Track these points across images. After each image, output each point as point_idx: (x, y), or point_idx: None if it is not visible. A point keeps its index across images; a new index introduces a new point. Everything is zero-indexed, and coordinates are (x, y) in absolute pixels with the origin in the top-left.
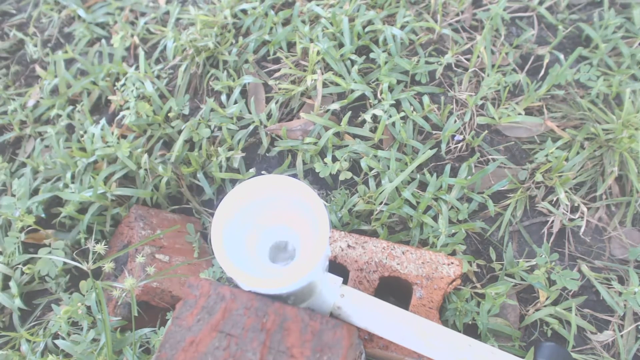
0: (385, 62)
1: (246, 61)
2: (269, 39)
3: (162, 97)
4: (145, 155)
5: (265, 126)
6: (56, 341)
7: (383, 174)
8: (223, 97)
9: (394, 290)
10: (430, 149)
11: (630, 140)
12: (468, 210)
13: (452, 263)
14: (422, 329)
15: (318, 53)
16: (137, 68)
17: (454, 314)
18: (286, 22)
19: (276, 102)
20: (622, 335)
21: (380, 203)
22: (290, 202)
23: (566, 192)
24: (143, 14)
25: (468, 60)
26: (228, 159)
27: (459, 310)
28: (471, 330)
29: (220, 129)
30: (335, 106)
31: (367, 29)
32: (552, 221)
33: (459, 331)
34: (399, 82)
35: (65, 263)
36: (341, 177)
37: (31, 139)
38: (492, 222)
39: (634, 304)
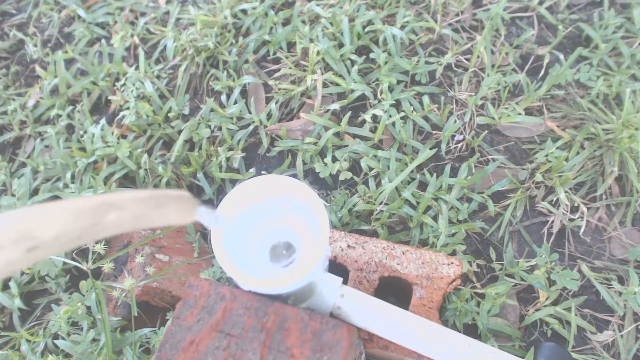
0: (385, 62)
1: (246, 61)
2: (269, 39)
3: (162, 97)
4: (145, 155)
5: (265, 126)
6: (56, 341)
7: (383, 174)
8: (223, 97)
9: (394, 290)
10: (430, 149)
11: (630, 140)
12: (468, 210)
13: (452, 263)
14: (422, 329)
15: (318, 53)
16: (137, 68)
17: (454, 314)
18: (286, 22)
19: (276, 102)
20: (622, 335)
21: (380, 203)
22: (290, 202)
23: (566, 192)
24: (143, 14)
25: (468, 60)
26: (228, 159)
27: (459, 310)
28: (471, 330)
29: (220, 129)
30: (335, 106)
31: (367, 29)
32: (552, 221)
33: (459, 331)
34: (399, 82)
35: (65, 263)
36: (341, 177)
37: (31, 139)
38: (492, 222)
39: (634, 304)
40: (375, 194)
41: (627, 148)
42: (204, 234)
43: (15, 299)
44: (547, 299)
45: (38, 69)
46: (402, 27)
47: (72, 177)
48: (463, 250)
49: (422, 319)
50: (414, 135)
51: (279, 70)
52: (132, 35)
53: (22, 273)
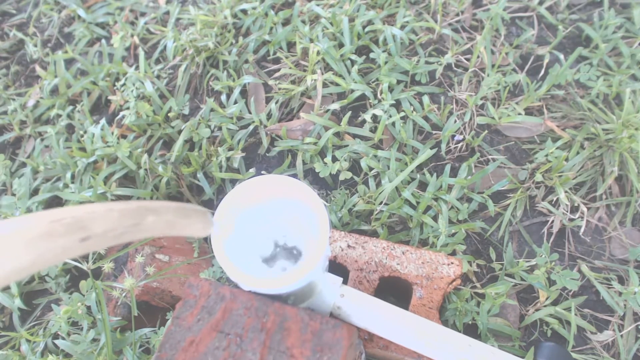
0: (385, 62)
1: (246, 61)
2: (269, 39)
3: (162, 97)
4: (145, 155)
5: (265, 126)
6: (56, 341)
7: (383, 174)
8: (223, 97)
9: (394, 290)
10: (430, 149)
11: (630, 140)
12: (468, 210)
13: (452, 263)
14: (422, 329)
15: (318, 53)
16: (137, 68)
17: (454, 314)
18: (286, 22)
19: (276, 102)
20: (622, 335)
21: (380, 203)
22: (290, 202)
23: (566, 192)
24: (143, 14)
25: (468, 60)
26: (228, 159)
27: (459, 310)
28: (471, 330)
29: (220, 129)
30: (335, 106)
31: (367, 29)
32: (552, 221)
33: (459, 331)
34: (399, 82)
35: (65, 263)
36: (341, 177)
37: (31, 139)
38: (492, 222)
39: (634, 304)
40: (375, 194)
41: (627, 148)
42: None
43: (15, 299)
44: (547, 299)
45: (38, 69)
46: (402, 27)
47: (72, 177)
48: (463, 250)
49: (422, 319)
50: (414, 135)
51: (279, 70)
52: (132, 35)
53: None
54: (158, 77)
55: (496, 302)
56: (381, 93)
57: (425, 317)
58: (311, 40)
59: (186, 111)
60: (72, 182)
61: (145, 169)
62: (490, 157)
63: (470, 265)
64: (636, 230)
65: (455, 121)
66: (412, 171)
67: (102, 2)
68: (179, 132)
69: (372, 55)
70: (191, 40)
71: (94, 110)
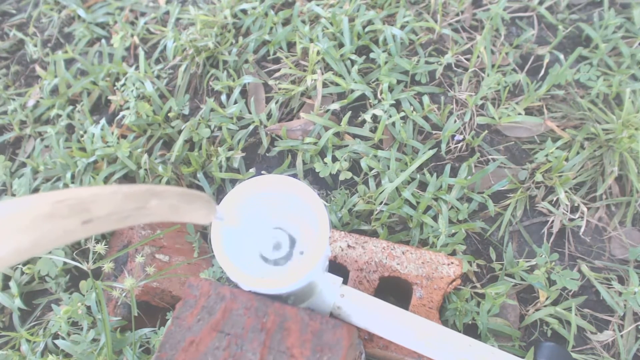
0: (385, 62)
1: (246, 61)
2: (269, 39)
3: (162, 97)
4: (145, 155)
5: (265, 126)
6: (56, 341)
7: (383, 174)
8: (223, 97)
9: (394, 290)
10: (430, 149)
11: (630, 140)
12: (468, 210)
13: (452, 263)
14: (422, 329)
15: (318, 53)
16: (137, 68)
17: (454, 314)
18: (286, 22)
19: (276, 102)
20: (622, 335)
21: (380, 203)
22: (290, 201)
23: (566, 192)
24: (143, 14)
25: (468, 60)
26: (228, 159)
27: (459, 310)
28: (471, 330)
29: (220, 129)
30: (335, 106)
31: (367, 29)
32: (552, 221)
33: (459, 331)
34: (399, 82)
35: (65, 263)
36: (341, 177)
37: (31, 139)
38: (492, 222)
39: (634, 304)
40: (375, 194)
41: (627, 148)
42: (203, 234)
43: (15, 299)
44: (547, 299)
45: (38, 69)
46: (402, 27)
47: (72, 177)
48: (463, 250)
49: (422, 319)
50: (414, 135)
51: (279, 70)
52: (132, 35)
53: (22, 273)
54: (158, 77)
55: (496, 302)
56: (381, 93)
57: (425, 317)
58: (311, 40)
59: (186, 111)
60: (72, 182)
61: (145, 169)
62: (490, 157)
63: (470, 265)
64: (636, 230)
65: (455, 121)
66: (412, 171)
67: (102, 2)
68: (179, 132)
69: (372, 55)
70: (191, 40)
71: (94, 110)
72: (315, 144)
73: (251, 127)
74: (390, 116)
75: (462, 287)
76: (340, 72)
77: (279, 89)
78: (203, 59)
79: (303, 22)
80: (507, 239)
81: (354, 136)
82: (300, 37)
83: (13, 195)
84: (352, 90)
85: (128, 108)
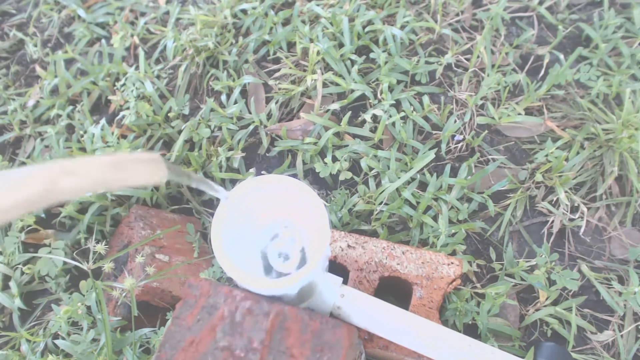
0: (385, 62)
1: (246, 61)
2: (269, 39)
3: (162, 97)
4: None
5: (265, 126)
6: (56, 341)
7: (383, 174)
8: (223, 97)
9: (394, 290)
10: (430, 149)
11: (630, 140)
12: (468, 210)
13: (452, 263)
14: (423, 329)
15: (318, 53)
16: (137, 68)
17: (454, 314)
18: (286, 22)
19: (276, 102)
20: (622, 335)
21: (381, 203)
22: (291, 202)
23: (566, 192)
24: (143, 14)
25: (468, 60)
26: (228, 159)
27: (459, 310)
28: (471, 330)
29: (220, 129)
30: (335, 106)
31: (367, 29)
32: (552, 221)
33: (459, 331)
34: (399, 82)
35: (65, 263)
36: (341, 177)
37: (31, 139)
38: (492, 222)
39: (634, 304)
40: (375, 194)
41: (627, 148)
42: (204, 234)
43: (15, 299)
44: (547, 299)
45: (38, 69)
46: (402, 27)
47: None
48: (463, 250)
49: (422, 319)
50: (414, 135)
51: (279, 70)
52: (132, 35)
53: (22, 273)
54: (158, 77)
55: (496, 302)
56: (381, 93)
57: (425, 317)
58: (311, 40)
59: (186, 111)
60: None
61: None
62: (490, 157)
63: (470, 265)
64: (636, 230)
65: (455, 121)
66: (414, 173)
67: (102, 2)
68: (179, 132)
69: (372, 55)
70: (191, 40)
71: (94, 110)
72: (315, 144)
73: (251, 127)
74: (390, 116)
75: (462, 287)
76: (340, 72)
77: (279, 89)
78: (203, 59)
79: (303, 22)
80: (507, 239)
81: (354, 136)
82: (300, 37)
83: None
84: (352, 90)
85: (128, 108)
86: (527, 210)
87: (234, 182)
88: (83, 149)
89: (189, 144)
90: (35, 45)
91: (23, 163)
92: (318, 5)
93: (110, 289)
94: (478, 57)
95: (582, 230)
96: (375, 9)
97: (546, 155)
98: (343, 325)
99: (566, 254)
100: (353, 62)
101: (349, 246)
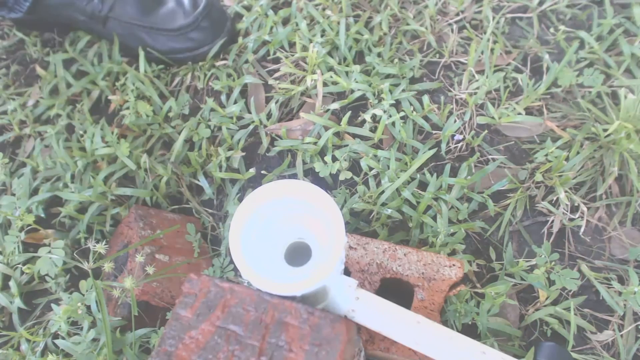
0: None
1: (246, 61)
2: (268, 39)
3: (162, 97)
4: (145, 155)
5: (265, 126)
6: (56, 341)
7: (383, 173)
8: (223, 97)
9: (395, 291)
10: (430, 148)
11: (630, 141)
12: (468, 210)
13: (453, 265)
14: (437, 335)
15: (318, 54)
16: (137, 68)
17: (454, 315)
18: (286, 22)
19: (276, 102)
20: (622, 335)
21: (382, 205)
22: (306, 205)
23: (566, 191)
24: None
25: (467, 60)
26: (228, 158)
27: (459, 311)
28: (471, 330)
29: (220, 128)
30: (335, 106)
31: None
32: (552, 221)
33: (458, 331)
34: (396, 85)
35: (65, 262)
36: (341, 177)
37: (31, 138)
38: (492, 222)
39: (634, 303)
40: (375, 194)
41: (627, 148)
42: (204, 234)
43: (15, 298)
44: (547, 298)
45: (38, 69)
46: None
47: (72, 176)
48: (462, 249)
49: (437, 325)
50: (414, 135)
51: (279, 70)
52: None
53: (22, 273)
54: (158, 77)
55: (496, 302)
56: (381, 93)
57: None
58: (310, 41)
59: (186, 111)
60: (72, 182)
61: (145, 169)
62: (490, 157)
63: (470, 265)
64: (636, 230)
65: (455, 121)
66: (412, 172)
67: None
68: (179, 132)
69: (367, 59)
70: None
71: (94, 110)
72: (315, 143)
73: (251, 127)
74: (390, 116)
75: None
76: (341, 72)
77: (279, 88)
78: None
79: (304, 18)
80: (507, 239)
81: (354, 136)
82: (300, 37)
83: (13, 194)
84: (353, 91)
85: (128, 108)
86: (527, 210)
87: (233, 182)
88: (83, 149)
89: (189, 144)
90: (35, 45)
91: (23, 163)
92: (316, 8)
93: (110, 288)
94: (478, 57)
95: (582, 230)
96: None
97: (546, 155)
98: (342, 320)
99: (566, 253)
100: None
101: (350, 247)
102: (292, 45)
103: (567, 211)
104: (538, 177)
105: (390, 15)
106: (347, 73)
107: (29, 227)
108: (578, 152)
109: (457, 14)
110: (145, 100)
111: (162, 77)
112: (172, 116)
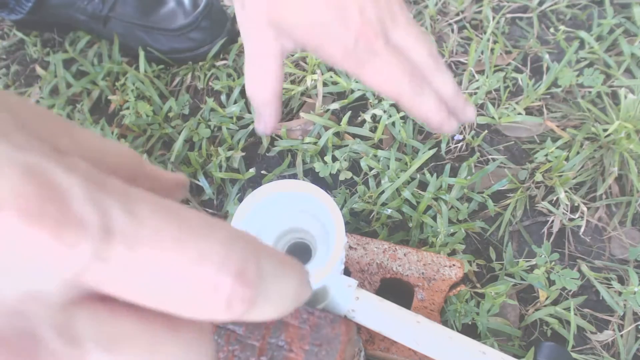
0: None
1: None
2: None
3: (162, 97)
4: (145, 155)
5: None
6: None
7: (383, 173)
8: (223, 97)
9: (395, 292)
10: (430, 148)
11: (630, 141)
12: (468, 210)
13: (453, 265)
14: (439, 335)
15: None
16: (137, 68)
17: (454, 315)
18: None
19: None
20: (622, 335)
21: (382, 205)
22: (307, 206)
23: (566, 191)
24: None
25: (467, 60)
26: (228, 158)
27: (459, 311)
28: (471, 330)
29: (220, 128)
30: (335, 106)
31: None
32: (552, 221)
33: (458, 331)
34: None
35: None
36: (341, 177)
37: None
38: (492, 222)
39: (634, 303)
40: (375, 194)
41: (627, 148)
42: None
43: None
44: (547, 298)
45: (38, 69)
46: None
47: None
48: (462, 249)
49: (438, 325)
50: (414, 135)
51: None
52: None
53: None
54: (158, 77)
55: (496, 302)
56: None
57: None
58: None
59: (186, 111)
60: None
61: None
62: (490, 157)
63: (470, 265)
64: (636, 230)
65: None
66: (412, 172)
67: None
68: (179, 132)
69: None
70: None
71: (94, 110)
72: (315, 143)
73: (251, 127)
74: (390, 116)
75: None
76: (341, 72)
77: None
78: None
79: None
80: (507, 239)
81: (354, 136)
82: None
83: None
84: (353, 90)
85: (128, 108)
86: (527, 210)
87: (233, 182)
88: None
89: (189, 144)
90: (35, 45)
91: None
92: None
93: None
94: (478, 57)
95: (582, 230)
96: None
97: (546, 155)
98: (342, 320)
99: (566, 253)
100: None
101: (350, 247)
102: None
103: (567, 211)
104: (538, 177)
105: None
106: (347, 73)
107: None
108: (578, 152)
109: (457, 14)
110: (145, 100)
111: (162, 77)
112: (172, 116)
